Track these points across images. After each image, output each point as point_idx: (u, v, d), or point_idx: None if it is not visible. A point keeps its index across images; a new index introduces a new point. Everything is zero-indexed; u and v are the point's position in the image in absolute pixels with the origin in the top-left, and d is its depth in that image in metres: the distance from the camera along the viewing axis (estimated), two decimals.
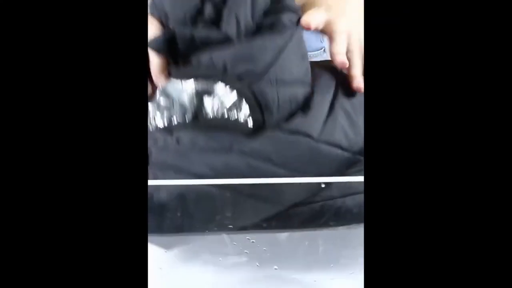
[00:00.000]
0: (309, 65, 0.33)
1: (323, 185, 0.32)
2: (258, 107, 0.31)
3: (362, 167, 0.32)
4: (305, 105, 0.32)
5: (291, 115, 0.32)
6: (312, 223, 0.34)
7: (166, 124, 0.33)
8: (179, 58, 0.33)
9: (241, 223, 0.33)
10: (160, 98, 0.33)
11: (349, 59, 0.38)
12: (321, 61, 0.42)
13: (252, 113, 0.31)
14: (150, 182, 0.32)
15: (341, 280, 0.39)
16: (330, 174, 0.32)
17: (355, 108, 0.34)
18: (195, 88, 0.31)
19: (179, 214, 0.32)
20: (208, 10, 0.32)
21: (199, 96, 0.31)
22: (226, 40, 0.31)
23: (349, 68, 0.37)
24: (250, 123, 0.31)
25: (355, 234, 0.36)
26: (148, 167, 0.32)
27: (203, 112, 0.31)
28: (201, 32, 0.31)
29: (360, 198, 0.33)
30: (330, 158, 0.32)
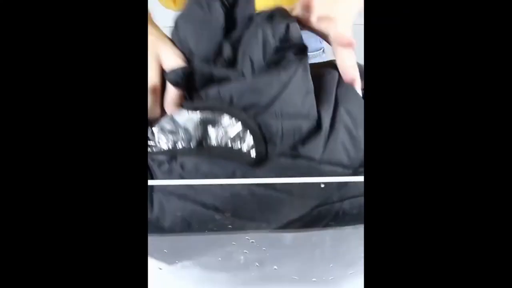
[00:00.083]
0: (314, 100, 0.34)
1: (322, 185, 0.32)
2: (262, 138, 0.31)
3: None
4: (309, 134, 0.33)
5: (294, 146, 0.33)
6: (312, 223, 0.34)
7: (170, 147, 0.33)
8: (192, 92, 0.35)
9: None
10: (166, 122, 0.34)
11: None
12: (320, 63, 0.42)
13: (256, 144, 0.32)
14: (150, 182, 0.32)
15: (341, 280, 0.39)
16: (331, 192, 0.33)
17: (356, 122, 0.34)
18: (201, 118, 0.32)
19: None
20: (226, 50, 0.34)
21: (204, 125, 0.33)
22: (240, 78, 0.33)
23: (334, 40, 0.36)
24: (253, 154, 0.32)
25: (355, 234, 0.36)
26: (153, 192, 0.33)
27: (208, 140, 0.33)
28: (220, 71, 0.33)
29: (360, 199, 0.34)
30: (329, 186, 0.33)
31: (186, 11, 0.37)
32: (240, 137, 0.32)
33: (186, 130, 0.33)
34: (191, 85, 0.34)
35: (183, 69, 0.34)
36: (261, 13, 0.36)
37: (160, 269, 0.37)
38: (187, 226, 0.33)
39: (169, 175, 0.33)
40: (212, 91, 0.33)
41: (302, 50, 0.36)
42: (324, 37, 0.39)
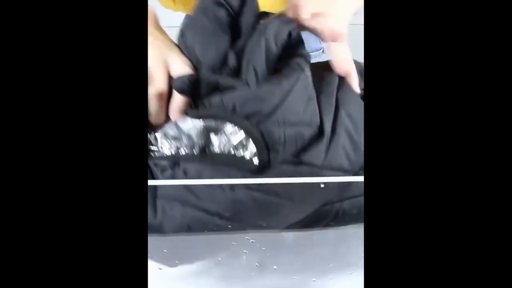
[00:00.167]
0: (317, 107, 0.34)
1: (322, 185, 0.33)
2: (265, 146, 0.32)
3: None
4: (311, 141, 0.33)
5: (296, 153, 0.33)
6: (313, 224, 0.34)
7: (173, 153, 0.34)
8: (197, 100, 0.35)
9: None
10: (169, 128, 0.34)
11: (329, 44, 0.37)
12: (319, 62, 0.42)
13: (258, 152, 0.32)
14: (150, 182, 0.32)
15: (341, 280, 0.39)
16: (332, 197, 0.33)
17: (356, 126, 0.34)
18: (204, 126, 0.33)
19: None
20: (231, 59, 0.35)
21: (207, 132, 0.33)
22: (244, 87, 0.33)
23: (332, 51, 0.37)
24: (256, 161, 0.32)
25: (355, 234, 0.36)
26: (156, 198, 0.33)
27: (211, 147, 0.33)
28: (226, 80, 0.33)
29: (360, 199, 0.34)
30: (334, 185, 0.33)
31: (192, 19, 0.37)
32: (243, 144, 0.32)
33: (189, 137, 0.33)
34: (196, 93, 0.34)
35: (189, 76, 0.34)
36: (264, 22, 0.37)
37: (160, 269, 0.37)
38: (189, 231, 0.33)
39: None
40: (215, 99, 0.33)
41: (304, 57, 0.36)
42: (318, 33, 0.39)
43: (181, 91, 0.34)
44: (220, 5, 0.37)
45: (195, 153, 0.33)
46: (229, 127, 0.32)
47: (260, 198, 0.32)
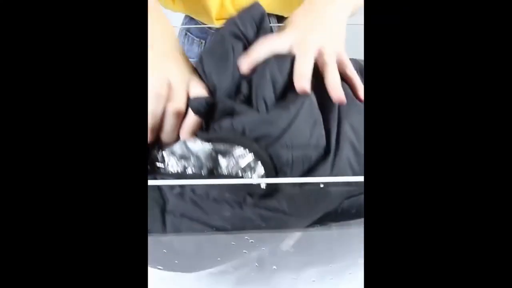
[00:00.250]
0: (323, 130, 0.35)
1: (321, 185, 0.33)
2: (273, 169, 0.33)
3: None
4: (317, 162, 0.34)
5: (303, 174, 0.34)
6: (312, 223, 0.34)
7: (179, 171, 0.34)
8: (208, 122, 0.36)
9: None
10: (177, 147, 0.35)
11: (322, 71, 0.38)
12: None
13: (267, 174, 0.33)
14: (150, 182, 0.32)
15: (340, 280, 0.39)
16: (336, 207, 0.34)
17: (359, 138, 0.35)
18: (213, 148, 0.34)
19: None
20: (244, 88, 0.37)
21: (215, 155, 0.34)
22: (254, 112, 0.35)
23: (325, 80, 0.37)
24: (263, 184, 0.33)
25: (354, 234, 0.36)
26: (165, 214, 0.34)
27: (218, 169, 0.34)
28: (241, 107, 0.35)
29: (359, 198, 0.34)
30: (337, 196, 0.34)
31: (211, 47, 0.40)
32: (250, 167, 0.33)
33: (197, 157, 0.34)
34: (210, 115, 0.36)
35: (206, 98, 0.36)
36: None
37: (160, 268, 0.37)
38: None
39: (181, 198, 0.34)
40: (226, 122, 0.34)
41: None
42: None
43: (196, 112, 0.36)
44: (237, 37, 0.39)
45: (203, 174, 0.34)
46: (237, 150, 0.33)
47: (267, 215, 0.33)
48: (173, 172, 0.35)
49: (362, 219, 0.34)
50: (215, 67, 0.38)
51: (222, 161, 0.33)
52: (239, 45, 0.39)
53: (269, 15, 0.67)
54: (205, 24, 0.69)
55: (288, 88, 0.36)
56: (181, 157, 0.34)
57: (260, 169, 0.33)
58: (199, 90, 0.37)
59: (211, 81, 0.38)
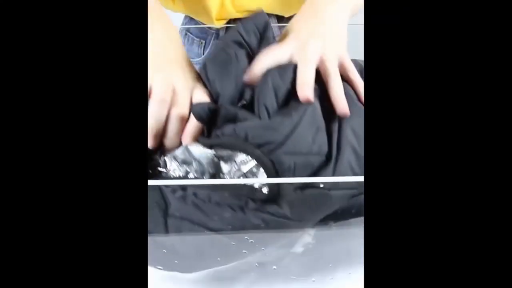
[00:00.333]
0: (325, 136, 0.35)
1: (321, 185, 0.33)
2: (276, 175, 0.33)
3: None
4: (319, 168, 0.34)
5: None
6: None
7: (181, 176, 0.35)
8: (211, 128, 0.37)
9: None
10: (179, 152, 0.35)
11: (325, 82, 0.38)
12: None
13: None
14: (150, 182, 0.32)
15: (340, 280, 0.39)
16: (336, 211, 0.34)
17: (360, 140, 0.35)
18: (215, 154, 0.34)
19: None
20: (247, 95, 0.38)
21: (218, 160, 0.34)
22: (257, 119, 0.35)
23: (329, 92, 0.37)
24: (265, 190, 0.33)
25: (354, 234, 0.36)
26: (167, 218, 0.34)
27: (220, 175, 0.34)
28: (244, 113, 0.35)
29: (359, 198, 0.34)
30: (338, 199, 0.34)
31: (215, 54, 0.40)
32: (252, 173, 0.33)
33: (200, 163, 0.34)
34: (212, 121, 0.36)
35: (209, 104, 0.36)
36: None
37: (160, 269, 0.37)
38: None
39: (183, 201, 0.34)
40: (228, 128, 0.34)
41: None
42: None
43: (198, 118, 0.36)
44: (240, 45, 0.40)
45: (205, 179, 0.34)
46: (239, 156, 0.33)
47: (270, 219, 0.33)
48: (175, 176, 0.35)
49: (362, 218, 0.34)
50: (218, 74, 0.38)
51: (224, 167, 0.34)
52: (242, 53, 0.39)
53: (269, 15, 0.67)
54: (205, 24, 0.69)
55: (291, 96, 0.37)
56: (183, 162, 0.34)
57: (262, 175, 0.33)
58: (202, 97, 0.38)
59: (214, 88, 0.38)
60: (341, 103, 0.36)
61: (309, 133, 0.34)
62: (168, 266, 0.37)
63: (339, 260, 0.39)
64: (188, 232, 0.33)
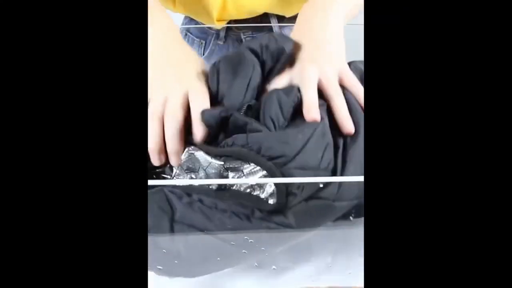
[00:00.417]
0: (332, 153, 0.35)
1: (321, 185, 0.33)
2: (285, 189, 0.33)
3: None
4: (326, 183, 0.34)
5: (312, 195, 0.34)
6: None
7: (187, 183, 0.35)
8: (219, 136, 0.36)
9: None
10: (185, 160, 0.35)
11: (328, 103, 0.38)
12: None
13: (278, 194, 0.33)
14: (150, 182, 0.33)
15: (340, 280, 0.39)
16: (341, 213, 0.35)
17: (361, 152, 0.35)
18: (223, 164, 0.34)
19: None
20: (256, 107, 0.38)
21: (225, 170, 0.34)
22: (267, 131, 0.35)
23: (333, 112, 0.38)
24: (271, 201, 0.33)
25: (354, 234, 0.36)
26: (174, 224, 0.34)
27: (227, 185, 0.34)
28: (253, 123, 0.35)
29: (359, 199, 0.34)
30: (341, 209, 0.34)
31: (231, 55, 0.40)
32: (260, 185, 0.33)
33: (206, 173, 0.34)
34: (221, 129, 0.36)
35: (221, 112, 0.36)
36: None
37: (160, 268, 0.37)
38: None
39: (190, 207, 0.34)
40: (240, 139, 0.34)
41: (322, 106, 0.38)
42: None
43: (208, 125, 0.36)
44: (257, 56, 0.40)
45: (212, 188, 0.34)
46: (247, 168, 0.33)
47: (274, 228, 0.33)
48: (179, 184, 0.35)
49: (361, 218, 0.34)
50: (230, 74, 0.38)
51: (231, 177, 0.34)
52: (257, 63, 0.39)
53: (269, 15, 0.67)
54: (205, 25, 0.69)
55: (296, 112, 0.37)
56: (189, 169, 0.34)
57: (269, 188, 0.33)
58: (198, 96, 0.37)
59: (221, 88, 0.38)
60: (345, 122, 0.37)
61: (319, 149, 0.34)
62: (167, 266, 0.37)
63: (338, 259, 0.39)
64: (189, 233, 0.33)
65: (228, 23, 0.67)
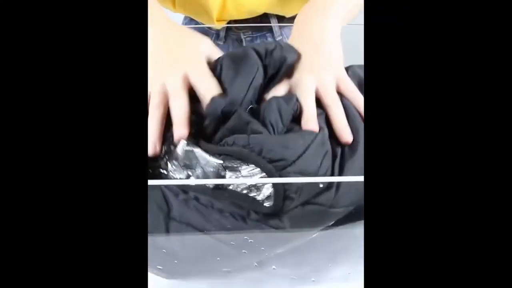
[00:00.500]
0: (330, 161, 0.35)
1: (321, 185, 0.33)
2: (283, 193, 0.33)
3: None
4: (323, 190, 0.34)
5: (309, 200, 0.34)
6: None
7: (182, 178, 0.35)
8: (218, 134, 0.36)
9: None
10: (183, 157, 0.35)
11: (326, 112, 0.38)
12: None
13: (275, 198, 0.33)
14: (150, 182, 0.32)
15: (339, 280, 0.39)
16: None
17: (361, 161, 0.35)
18: (223, 164, 0.34)
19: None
20: (256, 111, 0.37)
21: (223, 170, 0.34)
22: (271, 134, 0.36)
23: (331, 122, 0.38)
24: (267, 203, 0.33)
25: (353, 234, 0.36)
26: (169, 221, 0.34)
27: (224, 185, 0.34)
28: (255, 124, 0.35)
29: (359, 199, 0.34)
30: (337, 215, 0.35)
31: (236, 53, 0.40)
32: (257, 187, 0.33)
33: (204, 171, 0.34)
34: (223, 122, 0.36)
35: (226, 106, 0.36)
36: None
37: (160, 268, 0.37)
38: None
39: (185, 205, 0.34)
40: (241, 139, 0.34)
41: (321, 115, 0.38)
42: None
43: (211, 116, 0.35)
44: (261, 59, 0.39)
45: (209, 186, 0.34)
46: (245, 169, 0.33)
47: (269, 230, 0.33)
48: (175, 178, 0.35)
49: (361, 219, 0.34)
50: (233, 71, 0.38)
51: (229, 176, 0.34)
52: (261, 64, 0.39)
53: (269, 15, 0.67)
54: (205, 25, 0.69)
55: (296, 120, 0.37)
56: (186, 166, 0.34)
57: (266, 191, 0.33)
58: (214, 89, 0.37)
59: (223, 86, 0.38)
60: (343, 132, 0.37)
61: (318, 156, 0.34)
62: (167, 265, 0.37)
63: (338, 260, 0.39)
64: (188, 233, 0.34)
65: (228, 23, 0.67)
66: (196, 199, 0.34)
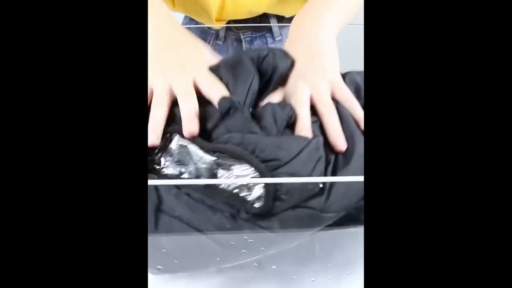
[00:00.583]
0: (323, 166, 0.35)
1: (321, 185, 0.33)
2: (273, 193, 0.33)
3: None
4: (314, 194, 0.34)
5: (299, 204, 0.34)
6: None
7: (175, 174, 0.35)
8: (218, 130, 0.36)
9: None
10: (177, 153, 0.35)
11: (321, 120, 0.38)
12: None
13: (265, 198, 0.33)
14: (150, 182, 0.33)
15: (339, 280, 0.39)
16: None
17: (355, 170, 0.35)
18: (214, 161, 0.34)
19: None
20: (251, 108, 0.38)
21: (216, 168, 0.34)
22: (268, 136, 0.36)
23: (325, 129, 0.38)
24: (256, 205, 0.33)
25: (353, 234, 0.36)
26: (159, 213, 0.34)
27: (216, 183, 0.34)
28: (253, 124, 0.36)
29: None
30: (328, 220, 0.35)
31: (230, 60, 0.40)
32: (248, 187, 0.33)
33: (197, 168, 0.34)
34: (224, 118, 0.36)
35: (234, 104, 0.36)
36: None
37: (160, 268, 0.37)
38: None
39: (176, 199, 0.34)
40: (236, 137, 0.34)
41: (315, 122, 0.38)
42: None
43: (222, 108, 0.36)
44: (255, 66, 0.40)
45: (200, 184, 0.34)
46: (237, 168, 0.33)
47: (257, 230, 0.33)
48: (166, 173, 0.35)
49: (361, 220, 0.34)
50: (231, 76, 0.39)
51: (221, 175, 0.34)
52: (256, 70, 0.39)
53: (269, 15, 0.67)
54: (205, 25, 0.69)
55: (290, 126, 0.37)
56: (179, 162, 0.34)
57: (257, 191, 0.33)
58: (221, 89, 0.38)
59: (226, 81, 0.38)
60: (337, 140, 0.36)
61: (311, 161, 0.34)
62: (167, 266, 0.37)
63: (338, 260, 0.39)
64: (178, 231, 0.33)
65: (227, 23, 0.67)
66: (188, 194, 0.34)
